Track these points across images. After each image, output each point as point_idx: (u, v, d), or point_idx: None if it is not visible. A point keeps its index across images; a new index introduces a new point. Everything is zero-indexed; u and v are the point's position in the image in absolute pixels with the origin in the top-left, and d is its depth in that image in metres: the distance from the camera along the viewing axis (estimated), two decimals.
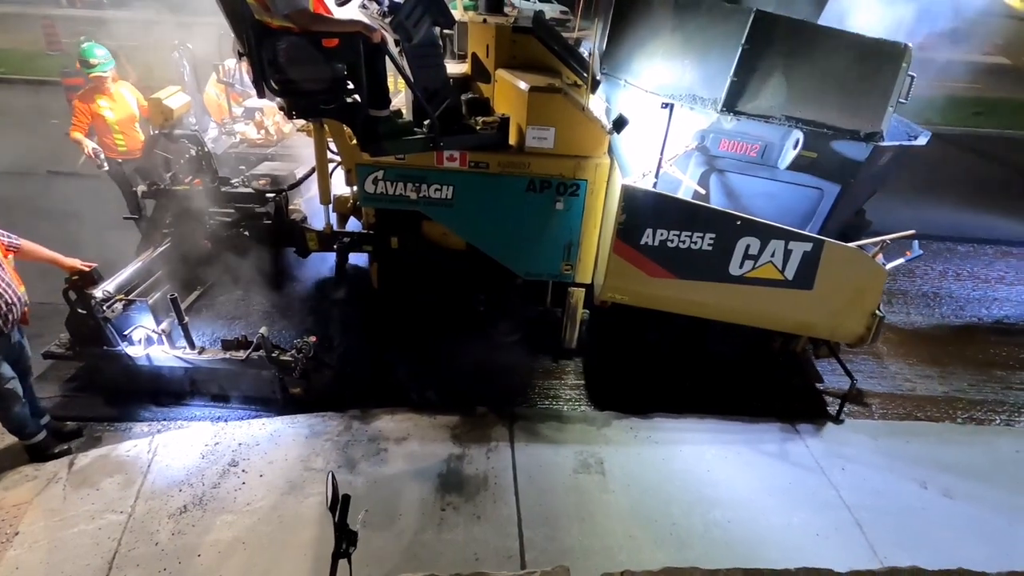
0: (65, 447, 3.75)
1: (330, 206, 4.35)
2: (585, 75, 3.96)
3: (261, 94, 3.19)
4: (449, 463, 3.83)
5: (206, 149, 4.20)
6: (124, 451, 3.77)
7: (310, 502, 3.47)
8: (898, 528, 3.60)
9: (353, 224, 4.85)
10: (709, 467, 3.96)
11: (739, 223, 3.76)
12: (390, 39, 3.39)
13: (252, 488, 3.56)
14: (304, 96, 3.34)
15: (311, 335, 3.94)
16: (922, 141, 4.24)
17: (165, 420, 4.10)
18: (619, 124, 3.57)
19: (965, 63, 14.70)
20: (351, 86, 3.49)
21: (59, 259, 3.58)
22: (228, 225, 4.38)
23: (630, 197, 3.72)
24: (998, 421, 4.69)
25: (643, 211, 3.76)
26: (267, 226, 4.41)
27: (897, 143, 3.94)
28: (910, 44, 3.63)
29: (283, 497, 3.50)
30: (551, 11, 5.02)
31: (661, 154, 3.58)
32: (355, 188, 4.67)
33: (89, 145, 4.98)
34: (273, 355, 3.83)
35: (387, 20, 3.37)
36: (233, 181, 4.35)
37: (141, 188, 4.21)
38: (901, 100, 3.76)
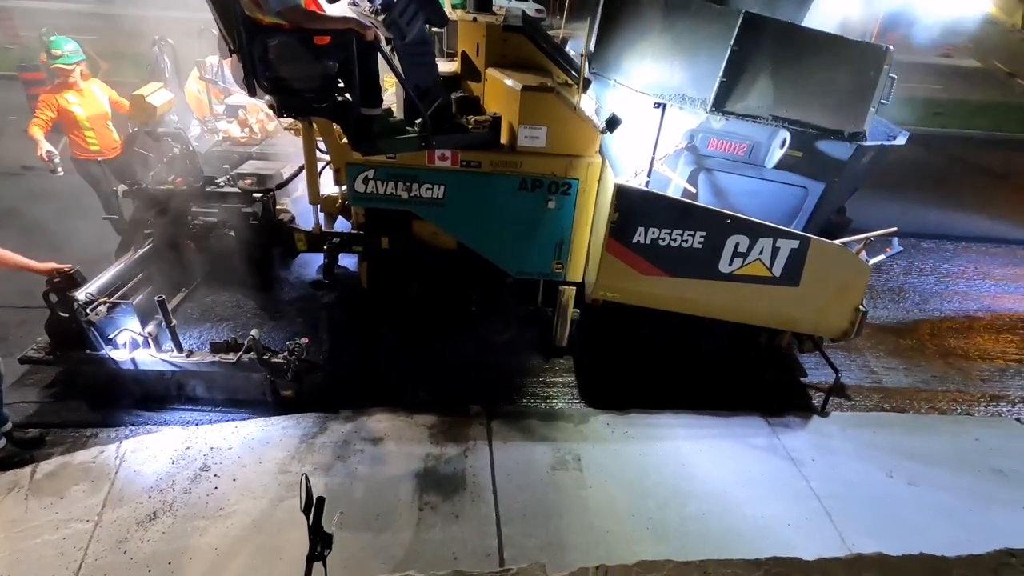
0: (27, 455, 3.61)
1: (318, 206, 4.30)
2: (575, 75, 3.97)
3: (252, 92, 3.12)
4: (427, 463, 3.82)
5: (191, 148, 4.10)
6: (90, 457, 3.67)
7: (285, 505, 3.43)
8: (866, 516, 3.71)
9: (340, 224, 4.79)
10: (684, 461, 4.03)
11: (729, 221, 3.83)
12: (382, 37, 3.35)
13: (225, 493, 3.50)
14: (295, 94, 3.28)
15: (303, 336, 3.87)
16: (901, 141, 4.38)
17: (150, 425, 3.99)
18: (612, 124, 3.59)
19: (932, 66, 15.30)
20: (341, 84, 3.46)
21: (31, 265, 3.46)
22: (213, 226, 4.28)
23: (623, 196, 3.75)
24: (959, 410, 4.86)
25: (636, 210, 3.80)
26: (254, 226, 4.32)
27: (879, 143, 4.05)
28: (891, 47, 3.74)
29: (257, 501, 3.46)
30: (528, 9, 5.04)
31: (654, 153, 3.62)
32: (344, 188, 4.62)
33: (44, 147, 4.73)
34: (264, 357, 3.75)
35: (380, 18, 3.33)
36: (218, 180, 4.25)
37: (121, 188, 4.08)
38: (883, 101, 3.88)
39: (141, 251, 4.29)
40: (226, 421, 4.03)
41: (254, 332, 3.67)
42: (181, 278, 4.41)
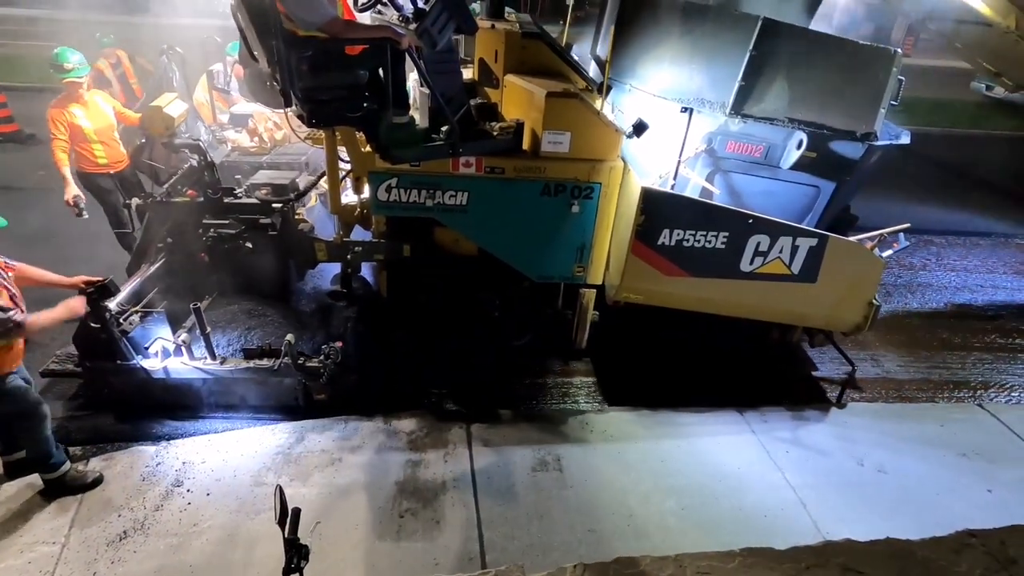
0: (98, 474, 3.54)
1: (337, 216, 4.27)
2: (598, 80, 4.03)
3: (288, 103, 3.10)
4: (406, 469, 3.81)
5: (208, 159, 4.02)
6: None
7: (262, 518, 3.38)
8: (838, 505, 3.82)
9: (357, 233, 4.76)
10: (663, 458, 4.09)
11: (751, 221, 3.92)
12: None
13: (198, 508, 3.45)
14: (329, 104, 3.26)
15: (336, 340, 3.86)
16: (905, 140, 4.53)
17: (182, 435, 3.95)
18: (639, 128, 3.66)
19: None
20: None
21: (60, 280, 3.39)
22: (230, 237, 4.21)
23: (649, 199, 3.81)
24: (922, 398, 5.01)
25: (661, 212, 3.86)
26: (272, 237, 4.27)
27: (888, 142, 4.19)
28: (899, 50, 3.89)
29: (232, 515, 3.41)
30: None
31: (680, 156, 3.69)
32: (362, 196, 4.60)
33: (71, 191, 4.71)
34: (299, 362, 3.72)
35: (411, 26, 3.33)
36: (237, 191, 4.19)
37: (135, 201, 3.98)
38: (892, 102, 4.02)
39: (156, 265, 4.19)
40: (257, 426, 4.00)
41: (289, 337, 3.66)
42: (197, 290, 4.32)
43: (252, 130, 5.04)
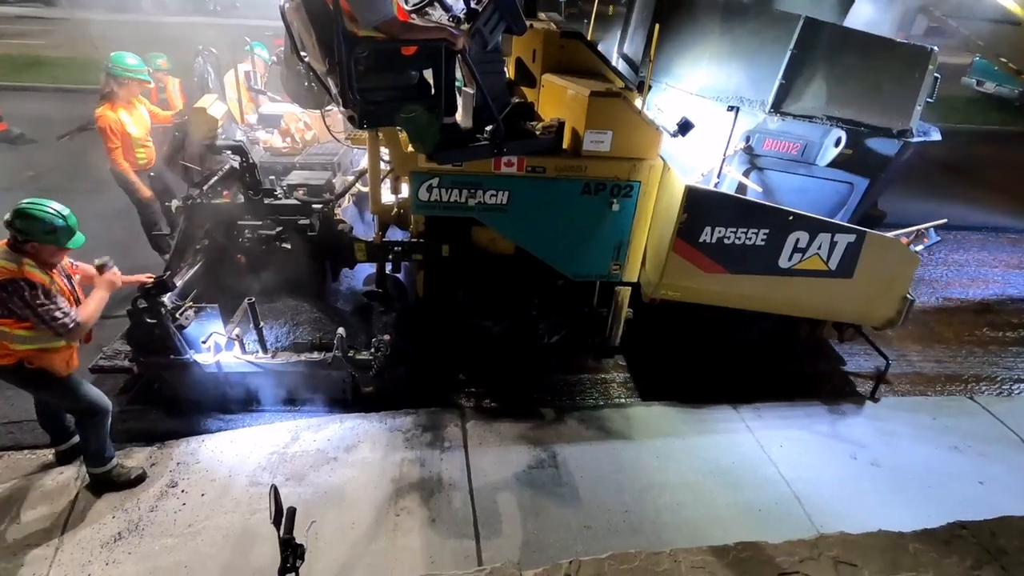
0: (141, 471, 3.56)
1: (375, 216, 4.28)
2: (640, 78, 4.05)
3: (346, 104, 3.10)
4: (402, 467, 3.80)
5: (251, 160, 4.02)
6: (48, 479, 3.56)
7: (257, 518, 3.37)
8: (832, 498, 3.85)
9: (392, 233, 4.77)
10: (658, 453, 4.11)
11: (791, 218, 3.97)
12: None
13: (193, 508, 3.43)
14: (383, 105, 3.27)
15: (385, 334, 3.89)
16: (936, 136, 4.60)
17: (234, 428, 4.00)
18: (685, 127, 3.69)
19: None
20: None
21: (137, 279, 3.51)
22: (270, 238, 4.21)
23: (693, 197, 3.85)
24: (914, 391, 5.05)
25: (704, 210, 3.90)
26: (311, 238, 4.27)
27: (922, 139, 4.25)
28: (936, 48, 3.94)
29: (227, 516, 3.40)
30: None
31: (724, 154, 3.72)
32: (399, 196, 4.61)
33: (147, 191, 4.92)
34: (349, 355, 3.75)
35: (463, 26, 3.34)
36: (276, 192, 4.19)
37: (175, 203, 3.98)
38: (928, 99, 4.08)
39: (196, 266, 4.19)
40: (304, 417, 4.03)
41: (341, 331, 3.67)
42: (237, 289, 4.33)
43: (284, 130, 5.03)
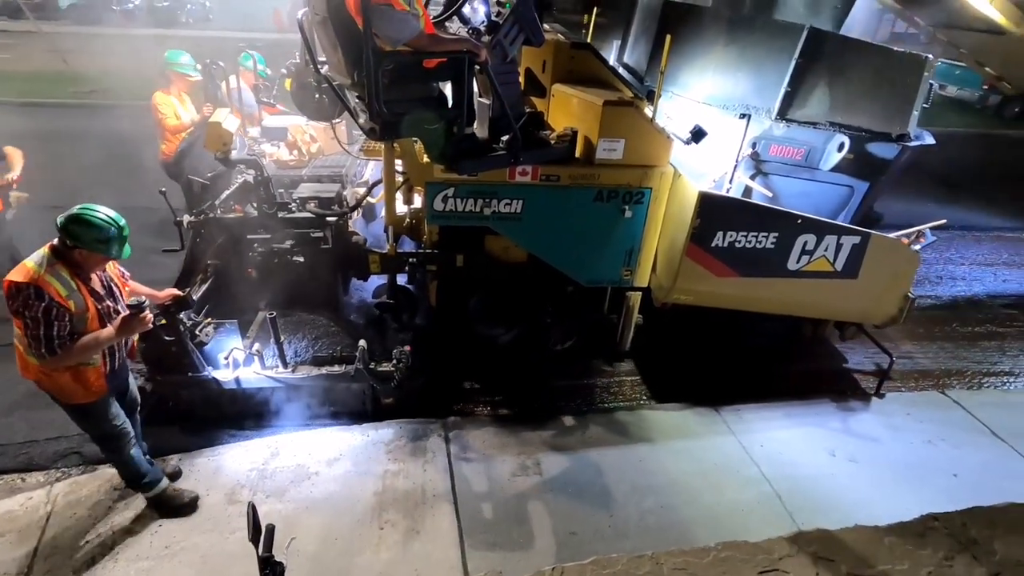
0: (195, 494, 3.46)
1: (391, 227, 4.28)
2: (647, 87, 4.14)
3: (373, 117, 3.12)
4: (384, 480, 3.75)
5: (265, 173, 3.99)
6: (17, 505, 3.43)
7: (236, 537, 3.27)
8: (812, 495, 3.90)
9: (403, 243, 4.77)
10: (641, 457, 4.12)
11: (800, 221, 4.08)
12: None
13: (169, 530, 3.34)
14: (407, 116, 3.29)
15: (406, 345, 3.89)
16: (930, 140, 4.77)
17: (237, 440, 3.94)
18: (698, 135, 3.77)
19: None
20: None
21: (155, 295, 3.35)
22: (282, 252, 4.18)
23: (706, 203, 3.93)
24: (888, 387, 5.08)
25: (716, 215, 3.99)
26: (325, 251, 4.25)
27: (919, 143, 4.41)
28: (931, 56, 4.11)
29: (206, 535, 3.31)
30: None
31: (736, 160, 3.82)
32: (412, 207, 4.62)
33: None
34: (371, 367, 3.75)
35: (484, 39, 3.39)
36: (290, 206, 4.16)
37: (187, 218, 3.92)
38: (924, 105, 4.24)
39: (208, 283, 4.14)
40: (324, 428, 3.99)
41: (362, 343, 3.67)
42: (249, 304, 4.29)
43: (291, 143, 5.00)
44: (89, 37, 16.21)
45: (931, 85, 4.20)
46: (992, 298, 6.77)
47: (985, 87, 15.37)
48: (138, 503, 3.44)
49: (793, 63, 3.99)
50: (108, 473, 3.60)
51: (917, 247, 4.77)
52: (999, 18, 4.76)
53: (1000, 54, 5.61)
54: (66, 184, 6.98)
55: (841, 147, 4.20)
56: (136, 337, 3.15)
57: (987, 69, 6.20)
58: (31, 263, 2.68)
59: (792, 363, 5.21)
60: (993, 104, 15.54)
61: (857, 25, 5.17)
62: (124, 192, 6.70)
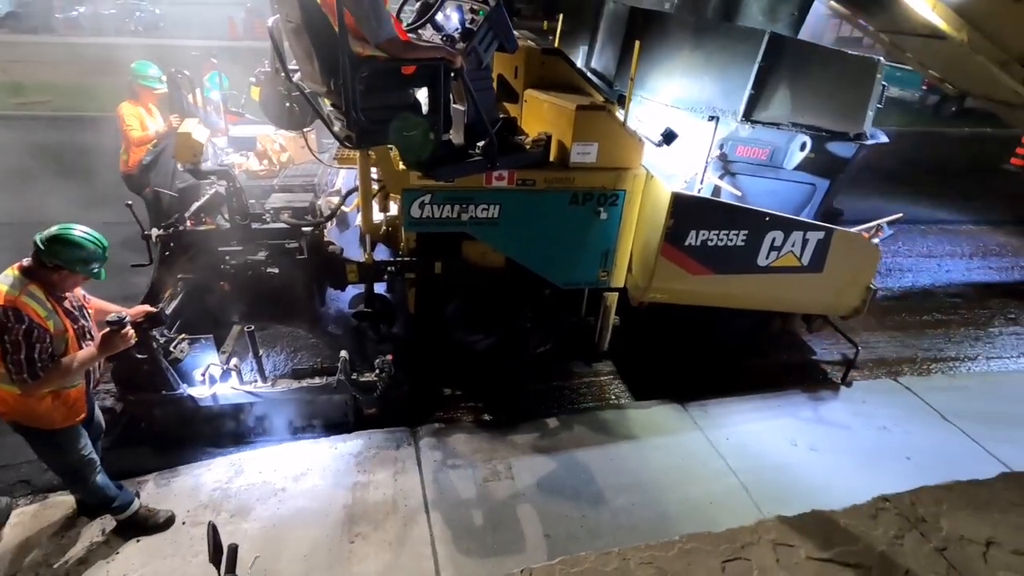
0: (170, 514, 3.34)
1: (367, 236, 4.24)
2: (616, 91, 4.22)
3: (350, 125, 3.09)
4: (355, 492, 3.69)
5: (238, 184, 3.89)
6: None
7: (199, 561, 3.13)
8: (776, 484, 4.01)
9: (379, 251, 4.73)
10: (611, 456, 4.17)
11: (768, 219, 4.22)
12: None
13: (127, 556, 3.19)
14: (383, 123, 3.27)
15: (387, 354, 3.85)
16: (883, 139, 5.01)
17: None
18: (669, 137, 3.87)
19: None
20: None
21: (122, 311, 3.18)
22: (256, 264, 4.09)
23: (679, 203, 4.03)
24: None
25: (689, 215, 4.09)
26: (300, 261, 4.18)
27: (875, 141, 4.63)
28: (881, 59, 4.32)
29: (166, 561, 3.19)
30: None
31: (707, 161, 3.93)
32: (387, 214, 4.59)
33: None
34: (353, 377, 3.70)
35: (459, 45, 3.40)
36: (264, 216, 4.08)
37: (155, 232, 3.80)
38: (878, 105, 4.45)
39: (178, 298, 4.02)
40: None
41: (344, 354, 3.61)
42: (223, 318, 4.18)
43: (261, 152, 4.89)
44: (30, 46, 15.54)
45: (883, 86, 4.41)
46: (937, 288, 7.13)
47: (924, 87, 16.30)
48: (92, 532, 3.27)
49: (756, 67, 4.13)
50: (60, 501, 3.44)
51: (876, 241, 5.01)
52: (942, 24, 5.06)
53: (942, 58, 5.96)
54: (17, 198, 6.67)
55: (803, 147, 4.37)
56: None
57: (931, 72, 6.58)
58: (3, 285, 2.55)
59: (764, 356, 5.38)
60: (931, 104, 16.49)
61: (806, 29, 5.38)
62: (82, 205, 6.49)
